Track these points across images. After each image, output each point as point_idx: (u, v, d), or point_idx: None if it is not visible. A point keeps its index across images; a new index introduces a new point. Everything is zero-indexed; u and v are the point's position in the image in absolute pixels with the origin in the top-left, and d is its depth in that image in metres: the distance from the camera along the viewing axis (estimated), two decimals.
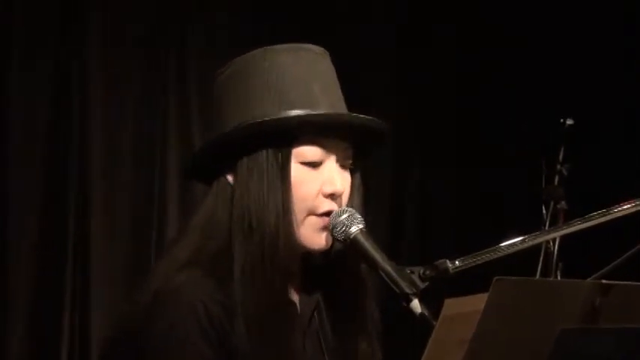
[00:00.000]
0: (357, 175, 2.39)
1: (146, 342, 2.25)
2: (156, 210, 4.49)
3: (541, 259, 4.09)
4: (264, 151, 2.29)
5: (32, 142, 4.24)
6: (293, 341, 2.32)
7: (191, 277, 2.26)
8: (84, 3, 4.40)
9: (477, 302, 1.71)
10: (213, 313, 2.23)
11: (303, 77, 2.33)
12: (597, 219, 2.34)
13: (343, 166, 2.34)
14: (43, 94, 4.29)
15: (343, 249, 2.31)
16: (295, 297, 2.38)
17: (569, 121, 4.25)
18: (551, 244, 4.05)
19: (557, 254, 4.07)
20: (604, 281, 1.92)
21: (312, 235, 2.29)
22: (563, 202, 4.20)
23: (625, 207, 2.32)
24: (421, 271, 2.20)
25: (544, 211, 4.23)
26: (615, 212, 2.32)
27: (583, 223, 2.35)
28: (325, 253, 2.35)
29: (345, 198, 2.32)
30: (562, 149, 4.25)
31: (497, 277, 1.71)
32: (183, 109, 4.61)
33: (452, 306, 1.74)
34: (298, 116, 2.29)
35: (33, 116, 4.25)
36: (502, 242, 2.37)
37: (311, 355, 2.36)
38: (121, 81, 4.48)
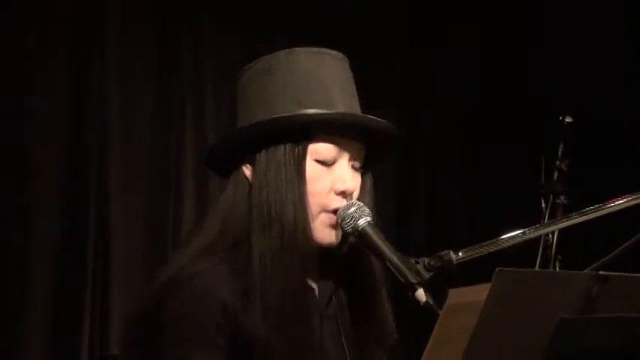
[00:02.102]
0: (368, 177, 2.41)
1: (160, 324, 2.24)
2: (172, 200, 4.49)
3: (540, 250, 4.11)
4: (282, 146, 2.30)
5: (55, 139, 4.24)
6: (310, 324, 2.31)
7: (207, 264, 2.27)
8: (100, 6, 4.40)
9: (479, 292, 1.71)
10: (226, 299, 2.23)
11: (322, 79, 2.34)
12: (593, 213, 2.34)
13: (354, 167, 2.35)
14: (64, 93, 4.28)
15: (354, 243, 2.32)
16: (313, 284, 2.38)
17: (568, 119, 4.25)
18: (550, 236, 4.07)
19: (555, 246, 4.09)
20: (600, 272, 1.91)
21: (322, 231, 2.30)
22: (562, 197, 4.21)
23: (619, 202, 2.33)
24: (426, 262, 2.20)
25: (543, 205, 4.25)
26: (610, 207, 2.32)
27: (580, 216, 2.35)
28: (338, 244, 2.34)
29: (355, 197, 2.32)
30: (561, 146, 4.26)
31: (498, 269, 1.71)
32: (198, 107, 4.61)
33: (456, 296, 1.74)
34: (316, 114, 2.30)
35: (54, 116, 4.25)
36: (503, 234, 2.36)
37: (328, 338, 2.36)
38: (138, 80, 4.48)
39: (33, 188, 4.17)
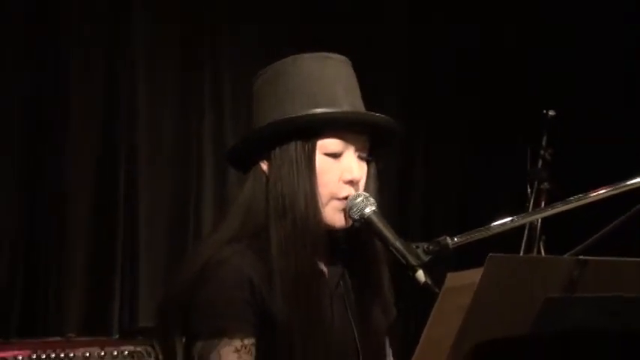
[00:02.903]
0: (373, 166, 2.40)
1: (195, 302, 2.25)
2: (194, 188, 4.50)
3: (526, 233, 4.11)
4: (294, 144, 2.31)
5: (90, 132, 4.27)
6: (322, 303, 2.33)
7: (235, 250, 2.28)
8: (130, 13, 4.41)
9: (473, 275, 1.71)
10: (254, 280, 2.24)
11: (327, 81, 2.35)
12: (576, 202, 2.34)
13: (360, 158, 2.35)
14: (98, 94, 4.30)
15: (359, 227, 2.32)
16: (324, 267, 2.39)
17: (552, 112, 4.26)
18: (536, 221, 4.08)
19: (540, 229, 4.11)
20: (581, 257, 1.90)
21: (333, 216, 2.31)
22: (545, 183, 4.21)
23: (601, 192, 2.32)
24: (425, 246, 2.21)
25: (529, 190, 4.26)
26: (591, 197, 2.32)
27: (563, 205, 2.35)
28: (346, 231, 2.36)
29: (361, 185, 2.33)
30: (545, 137, 4.27)
31: (490, 254, 1.71)
32: (217, 108, 4.60)
33: (453, 279, 1.74)
34: (323, 113, 2.31)
35: (87, 115, 4.26)
36: (494, 221, 2.35)
37: (337, 316, 2.37)
38: (163, 83, 4.48)
39: (69, 177, 4.20)
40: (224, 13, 4.69)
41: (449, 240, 2.23)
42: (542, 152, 4.21)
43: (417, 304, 2.01)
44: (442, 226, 4.87)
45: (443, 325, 1.74)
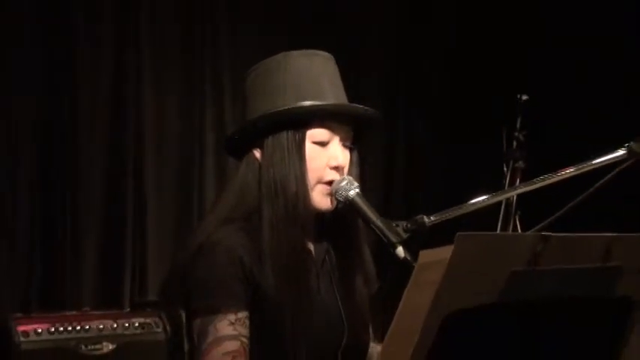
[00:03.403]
0: (356, 153, 2.42)
1: (193, 281, 2.28)
2: (196, 173, 4.51)
3: (502, 208, 4.13)
4: (285, 133, 2.33)
5: (99, 123, 4.28)
6: (309, 278, 2.35)
7: (228, 231, 2.30)
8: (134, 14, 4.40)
9: (445, 252, 1.70)
10: (245, 258, 2.26)
11: (315, 75, 2.37)
12: (547, 180, 2.35)
13: (345, 146, 2.37)
14: (106, 89, 4.31)
15: (344, 208, 2.34)
16: (311, 246, 2.41)
17: (525, 97, 4.28)
18: (511, 197, 4.09)
19: (515, 205, 4.13)
20: (543, 233, 1.90)
21: (320, 199, 2.34)
22: (520, 162, 4.23)
23: (569, 170, 2.33)
24: (404, 225, 2.23)
25: (505, 169, 4.28)
26: (562, 174, 2.33)
27: (536, 183, 2.36)
28: (331, 212, 2.38)
29: (346, 170, 2.35)
30: (519, 119, 4.29)
31: (459, 233, 1.71)
32: (217, 98, 4.60)
33: (426, 255, 1.74)
34: (311, 106, 2.33)
35: (100, 105, 4.28)
36: (474, 198, 2.37)
37: (323, 289, 2.40)
38: (167, 79, 4.49)
39: (82, 165, 4.22)
40: (224, 13, 4.69)
41: (425, 219, 2.24)
42: (516, 134, 4.23)
43: (397, 279, 2.03)
44: (425, 203, 4.90)
45: (418, 297, 1.74)
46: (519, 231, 4.09)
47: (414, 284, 1.74)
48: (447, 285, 1.73)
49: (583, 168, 2.37)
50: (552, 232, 1.97)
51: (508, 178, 4.22)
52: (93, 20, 4.29)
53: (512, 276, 1.81)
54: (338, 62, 2.45)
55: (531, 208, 3.68)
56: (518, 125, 4.26)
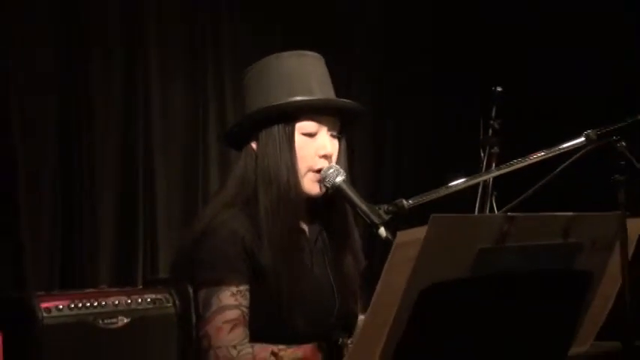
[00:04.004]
0: (343, 142, 2.44)
1: (199, 258, 2.31)
2: (201, 162, 4.51)
3: (480, 190, 4.07)
4: (277, 126, 2.36)
5: (112, 118, 4.27)
6: (302, 255, 2.39)
7: (230, 214, 2.34)
8: (142, 19, 4.39)
9: (420, 232, 1.72)
10: (245, 238, 2.30)
11: (304, 74, 2.39)
12: (520, 164, 2.42)
13: (332, 136, 2.40)
14: (117, 85, 4.31)
15: (332, 193, 2.37)
16: (305, 227, 2.44)
17: (499, 89, 4.27)
18: (488, 180, 4.07)
19: (491, 187, 4.09)
20: (509, 213, 1.94)
21: (310, 186, 2.36)
22: (495, 148, 4.19)
23: (539, 155, 2.39)
24: (386, 207, 2.26)
25: (482, 154, 4.28)
26: (532, 159, 2.40)
27: (510, 166, 2.43)
28: (322, 197, 2.40)
29: (334, 159, 2.38)
30: (494, 109, 4.27)
31: (432, 215, 1.72)
32: (219, 94, 4.60)
33: (403, 235, 1.75)
34: (300, 101, 2.36)
35: (111, 103, 4.27)
36: (451, 182, 2.42)
37: (316, 265, 2.42)
38: (173, 77, 4.48)
39: (98, 156, 4.22)
40: (225, 16, 4.68)
41: (405, 202, 2.27)
42: (492, 122, 4.17)
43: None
44: (412, 186, 4.90)
45: (396, 274, 1.75)
46: (495, 210, 4.08)
47: (392, 262, 1.76)
48: (422, 262, 1.74)
49: (550, 153, 2.42)
50: (521, 211, 1.99)
51: (485, 163, 4.19)
52: (104, 21, 4.29)
53: (481, 253, 1.83)
54: (331, 61, 2.48)
55: (506, 189, 3.70)
56: (493, 114, 4.19)
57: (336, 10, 5.10)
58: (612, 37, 4.86)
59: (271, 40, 4.65)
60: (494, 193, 4.17)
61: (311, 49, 2.49)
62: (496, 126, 4.22)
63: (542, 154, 2.40)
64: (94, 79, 4.21)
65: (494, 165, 4.17)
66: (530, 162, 2.42)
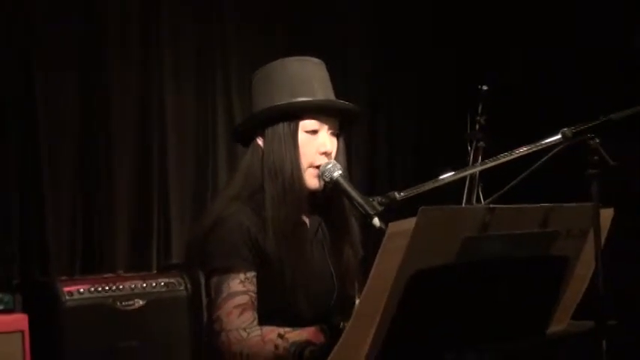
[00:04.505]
0: (342, 141, 2.45)
1: (209, 248, 2.31)
2: (211, 157, 4.50)
3: (467, 182, 4.10)
4: (282, 124, 2.36)
5: (130, 119, 4.28)
6: (304, 245, 2.39)
7: (237, 207, 2.34)
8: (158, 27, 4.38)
9: (409, 223, 1.74)
10: (251, 229, 2.30)
11: (306, 77, 2.40)
12: (504, 158, 2.40)
13: (332, 134, 2.40)
14: (134, 82, 4.29)
15: (332, 189, 2.37)
16: (306, 219, 2.44)
17: (485, 87, 4.28)
18: (475, 172, 4.04)
19: (478, 179, 4.11)
20: (491, 205, 1.95)
21: (311, 180, 2.37)
22: (481, 142, 4.21)
23: (522, 150, 2.38)
24: (379, 199, 2.27)
25: (469, 148, 4.31)
26: (515, 153, 2.38)
27: (495, 160, 2.42)
28: (322, 190, 2.40)
29: (333, 155, 2.38)
30: (480, 106, 4.28)
31: (421, 207, 1.73)
32: (226, 92, 4.59)
33: (394, 226, 1.76)
34: (303, 102, 2.37)
35: (128, 103, 4.27)
36: (440, 175, 2.42)
37: (317, 254, 2.43)
38: (185, 78, 4.46)
39: (114, 149, 4.20)
40: (233, 20, 4.67)
41: (397, 194, 2.29)
42: (478, 118, 4.20)
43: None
44: (402, 179, 4.93)
45: (387, 261, 1.77)
46: (482, 200, 4.10)
47: (384, 250, 1.77)
48: (411, 250, 1.76)
49: (532, 148, 2.41)
50: (505, 202, 2.02)
51: (471, 156, 4.21)
52: (123, 21, 4.27)
53: (466, 241, 1.85)
54: (329, 59, 2.49)
55: (492, 180, 3.71)
56: (479, 111, 4.22)
57: (336, 11, 5.09)
58: (590, 37, 4.87)
59: (273, 40, 4.65)
60: (481, 184, 4.20)
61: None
62: (482, 122, 4.24)
63: (525, 149, 2.40)
64: (112, 78, 4.21)
65: (480, 158, 4.19)
66: (513, 156, 2.42)
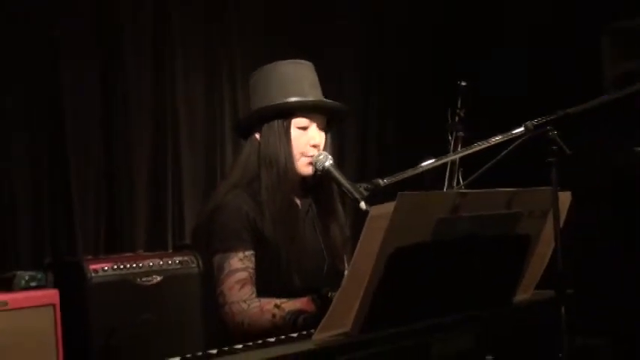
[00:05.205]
0: (329, 135, 2.48)
1: (212, 230, 2.35)
2: (218, 149, 4.50)
3: (448, 168, 4.08)
4: (276, 121, 2.40)
5: (145, 115, 4.26)
6: (297, 224, 2.42)
7: (235, 194, 2.37)
8: (170, 31, 4.34)
9: (389, 206, 1.76)
10: (249, 213, 2.34)
11: (297, 78, 2.43)
12: (480, 146, 2.43)
13: (321, 129, 2.43)
14: (148, 81, 4.27)
15: (322, 175, 2.42)
16: (298, 202, 2.47)
17: (463, 83, 4.30)
18: (455, 159, 4.06)
19: (458, 165, 4.09)
20: (461, 190, 1.99)
21: (303, 168, 2.41)
22: (460, 132, 4.22)
23: (496, 139, 2.39)
24: (365, 186, 2.31)
25: (450, 138, 4.31)
26: (490, 142, 2.39)
27: (472, 148, 2.46)
28: (312, 177, 2.44)
29: (321, 147, 2.42)
30: (459, 100, 4.28)
31: (400, 192, 1.75)
32: (232, 89, 4.57)
33: (376, 209, 1.79)
34: (295, 101, 2.40)
35: (145, 101, 4.24)
36: (422, 161, 2.42)
37: (308, 233, 2.46)
38: (195, 80, 4.45)
39: (134, 144, 4.18)
40: (236, 26, 4.64)
41: (380, 181, 2.32)
42: (457, 111, 4.21)
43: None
44: (390, 167, 4.91)
45: (371, 239, 1.79)
46: (462, 184, 4.10)
47: (367, 231, 1.80)
48: (391, 230, 1.79)
49: (503, 138, 2.45)
50: (480, 187, 2.05)
51: (452, 145, 4.23)
52: (136, 22, 4.24)
53: (439, 222, 1.88)
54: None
55: (470, 166, 3.74)
56: (459, 104, 4.23)
57: (335, 14, 5.08)
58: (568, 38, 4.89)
59: (273, 40, 4.63)
60: (461, 169, 4.21)
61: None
62: (461, 114, 4.25)
63: (496, 139, 2.42)
64: (129, 75, 4.18)
65: (460, 147, 4.21)
66: (485, 145, 2.44)
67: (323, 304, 2.14)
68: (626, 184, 4.20)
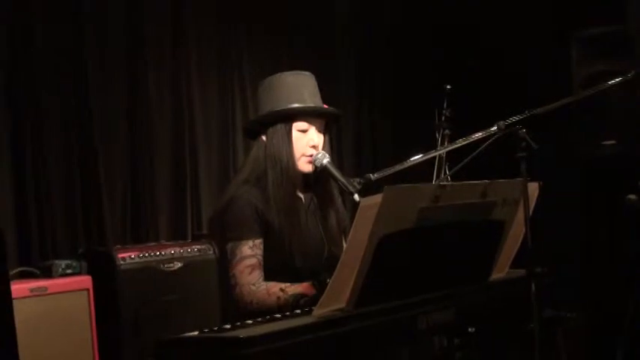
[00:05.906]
0: (327, 137, 2.50)
1: (225, 221, 2.37)
2: (231, 149, 4.49)
3: (436, 162, 4.07)
4: (279, 125, 2.42)
5: (164, 113, 4.22)
6: (299, 215, 2.44)
7: (245, 189, 2.40)
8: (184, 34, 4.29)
9: (377, 198, 1.80)
10: (258, 206, 2.36)
11: (299, 87, 2.45)
12: (464, 142, 2.48)
13: (319, 131, 2.46)
14: (167, 82, 4.22)
15: (321, 171, 2.45)
16: (300, 195, 2.49)
17: (449, 86, 4.31)
18: (442, 154, 4.06)
19: (445, 159, 4.10)
20: (441, 183, 2.05)
21: (304, 166, 2.44)
22: (447, 130, 4.19)
23: (477, 135, 2.45)
24: (358, 180, 2.35)
25: (437, 136, 4.33)
26: (472, 138, 2.45)
27: (457, 144, 2.51)
28: (313, 174, 2.46)
29: (320, 147, 2.44)
30: (445, 101, 4.26)
31: (385, 186, 1.80)
32: (242, 93, 4.56)
33: (365, 200, 1.83)
34: (296, 107, 2.42)
35: (161, 103, 4.21)
36: (411, 157, 2.49)
37: (310, 223, 2.47)
38: (209, 83, 4.43)
39: (153, 139, 4.15)
40: (244, 33, 4.62)
41: (371, 175, 2.37)
42: (444, 111, 4.21)
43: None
44: (382, 162, 4.91)
45: (361, 227, 1.84)
46: (448, 174, 4.12)
47: (357, 220, 1.85)
48: (379, 219, 1.84)
49: (483, 135, 2.50)
50: (462, 178, 2.12)
51: (439, 141, 4.25)
52: (156, 23, 4.19)
53: (422, 210, 1.93)
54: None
55: (456, 160, 3.75)
56: (445, 105, 4.23)
57: (335, 19, 5.03)
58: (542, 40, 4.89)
59: (280, 53, 4.62)
60: (448, 163, 4.24)
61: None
62: (447, 114, 4.25)
63: (480, 134, 2.46)
64: (149, 71, 4.14)
65: (446, 143, 4.23)
66: (466, 142, 2.49)
67: (321, 288, 2.16)
68: (594, 173, 4.24)
